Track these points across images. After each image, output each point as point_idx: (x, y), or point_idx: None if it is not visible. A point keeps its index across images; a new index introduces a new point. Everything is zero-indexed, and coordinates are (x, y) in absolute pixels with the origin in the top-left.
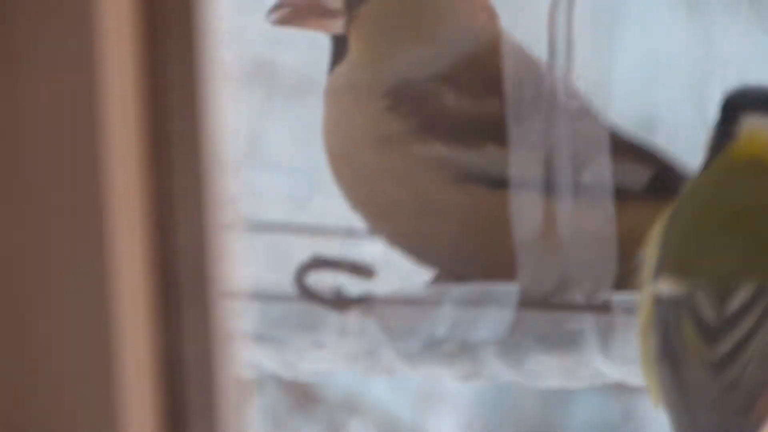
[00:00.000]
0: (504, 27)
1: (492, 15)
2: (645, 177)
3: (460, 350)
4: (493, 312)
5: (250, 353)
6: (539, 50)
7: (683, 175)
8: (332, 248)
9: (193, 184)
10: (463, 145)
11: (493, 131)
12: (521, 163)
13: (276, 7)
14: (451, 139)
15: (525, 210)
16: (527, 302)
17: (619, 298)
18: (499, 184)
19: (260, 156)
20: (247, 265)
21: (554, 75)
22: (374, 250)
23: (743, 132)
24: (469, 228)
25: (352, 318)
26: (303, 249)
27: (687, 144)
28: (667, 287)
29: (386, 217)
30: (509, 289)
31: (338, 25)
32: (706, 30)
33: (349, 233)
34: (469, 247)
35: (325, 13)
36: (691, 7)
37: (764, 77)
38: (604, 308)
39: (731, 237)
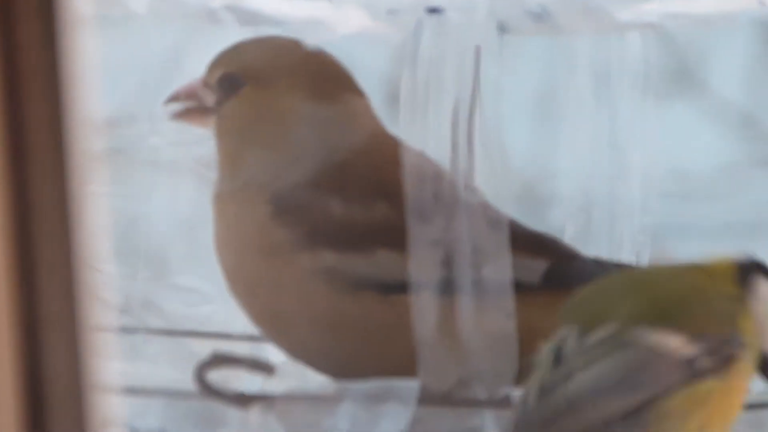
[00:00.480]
0: (391, 130)
1: (372, 118)
2: (541, 269)
3: None
4: (394, 408)
5: None
6: (440, 150)
7: (581, 265)
8: (235, 348)
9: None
10: (352, 253)
11: (383, 236)
12: (421, 262)
13: (168, 100)
14: (340, 247)
15: (425, 309)
16: (428, 398)
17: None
18: (392, 289)
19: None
20: (147, 362)
21: (455, 173)
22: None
23: None
24: (363, 337)
25: (254, 415)
26: (205, 347)
27: (596, 222)
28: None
29: (281, 332)
30: (410, 386)
31: (212, 122)
32: (613, 109)
33: (252, 338)
34: (364, 356)
35: (203, 111)
36: (598, 86)
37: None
38: (505, 404)
39: (623, 294)
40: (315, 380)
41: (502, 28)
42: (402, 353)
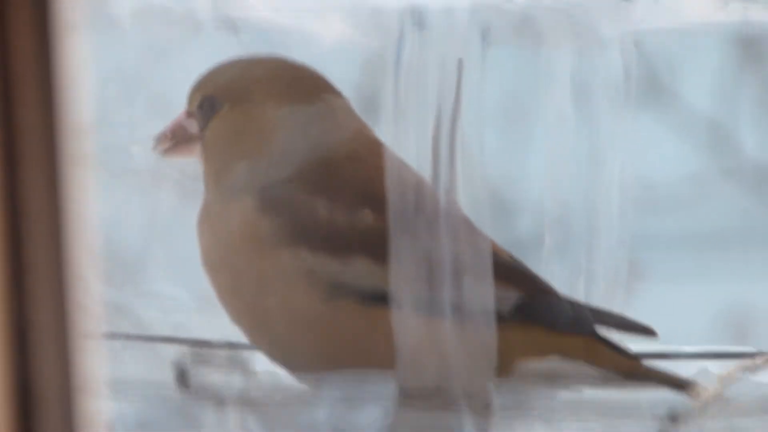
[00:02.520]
0: (382, 140)
1: (354, 118)
2: (512, 300)
3: None
4: (372, 407)
5: None
6: (421, 160)
7: (553, 301)
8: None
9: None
10: (331, 256)
11: (364, 244)
12: (403, 273)
13: (158, 141)
14: (319, 249)
15: (406, 320)
16: (407, 399)
17: (497, 394)
18: (370, 298)
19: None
20: (128, 361)
21: (436, 185)
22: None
23: None
24: (338, 343)
25: (232, 413)
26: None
27: (574, 235)
28: None
29: (260, 329)
30: (388, 386)
31: (199, 150)
32: (592, 121)
33: (230, 346)
34: (338, 361)
35: (190, 140)
36: (577, 98)
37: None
38: (483, 405)
39: None
40: (293, 380)
41: (485, 39)
42: (376, 363)
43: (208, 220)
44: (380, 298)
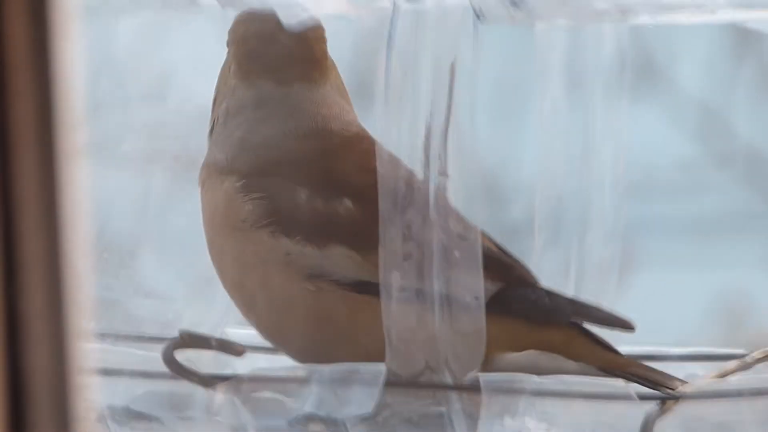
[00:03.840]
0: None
1: (349, 113)
2: (491, 291)
3: (327, 429)
4: (361, 391)
5: (119, 429)
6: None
7: (530, 294)
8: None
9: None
10: (307, 242)
11: (341, 233)
12: (391, 264)
13: None
14: (297, 234)
15: (395, 308)
16: (395, 382)
17: (486, 378)
18: (349, 286)
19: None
20: (116, 343)
21: (427, 174)
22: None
23: None
24: (317, 327)
25: (220, 395)
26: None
27: (567, 225)
28: None
29: (247, 307)
30: (377, 369)
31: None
32: (586, 108)
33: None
34: (319, 344)
35: None
36: (572, 86)
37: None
38: (472, 389)
39: None
40: (282, 363)
41: (479, 15)
42: (358, 350)
43: (204, 189)
44: (360, 286)
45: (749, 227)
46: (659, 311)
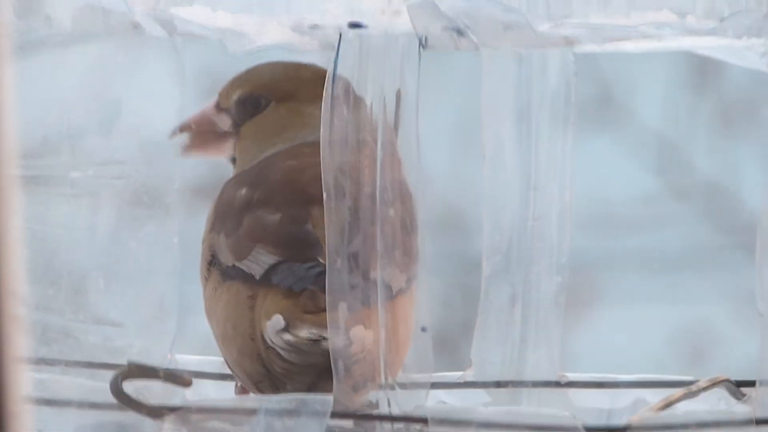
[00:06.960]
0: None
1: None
2: (266, 265)
3: None
4: (308, 422)
5: None
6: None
7: (294, 265)
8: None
9: None
10: (228, 239)
11: (262, 233)
12: (337, 270)
13: (176, 131)
14: (222, 233)
15: (339, 318)
16: (342, 413)
17: (433, 409)
18: (261, 284)
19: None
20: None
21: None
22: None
23: None
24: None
25: (168, 425)
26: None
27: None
28: None
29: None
30: (324, 399)
31: (230, 147)
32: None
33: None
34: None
35: (219, 137)
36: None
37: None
38: (419, 420)
39: None
40: (230, 393)
41: (423, 44)
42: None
43: None
44: (268, 281)
45: (709, 260)
46: (621, 344)
